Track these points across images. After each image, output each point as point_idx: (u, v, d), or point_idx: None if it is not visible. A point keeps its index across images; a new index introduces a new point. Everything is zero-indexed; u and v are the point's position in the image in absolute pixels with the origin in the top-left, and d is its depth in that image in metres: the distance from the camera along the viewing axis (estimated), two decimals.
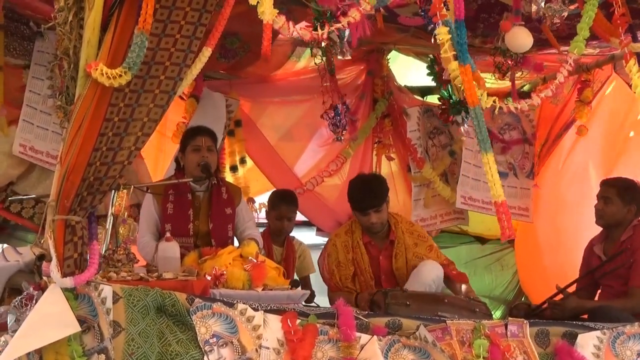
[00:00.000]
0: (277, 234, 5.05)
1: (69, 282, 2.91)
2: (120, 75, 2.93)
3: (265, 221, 5.22)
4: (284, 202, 5.00)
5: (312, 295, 4.74)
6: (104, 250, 3.33)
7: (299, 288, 3.75)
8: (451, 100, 5.07)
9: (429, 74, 5.15)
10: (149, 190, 4.13)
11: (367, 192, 4.33)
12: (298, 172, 5.67)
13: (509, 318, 3.35)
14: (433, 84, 5.83)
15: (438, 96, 5.37)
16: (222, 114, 5.26)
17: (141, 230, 4.17)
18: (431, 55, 5.28)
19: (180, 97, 5.21)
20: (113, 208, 3.31)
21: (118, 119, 3.06)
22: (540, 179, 5.81)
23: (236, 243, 4.34)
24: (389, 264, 4.41)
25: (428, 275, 4.18)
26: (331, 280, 4.46)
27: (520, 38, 3.46)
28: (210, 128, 4.41)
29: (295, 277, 5.04)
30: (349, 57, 3.27)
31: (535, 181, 5.80)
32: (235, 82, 5.53)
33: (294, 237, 5.16)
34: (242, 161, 5.52)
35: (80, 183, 3.01)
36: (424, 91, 6.11)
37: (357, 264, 4.40)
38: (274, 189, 5.35)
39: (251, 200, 5.42)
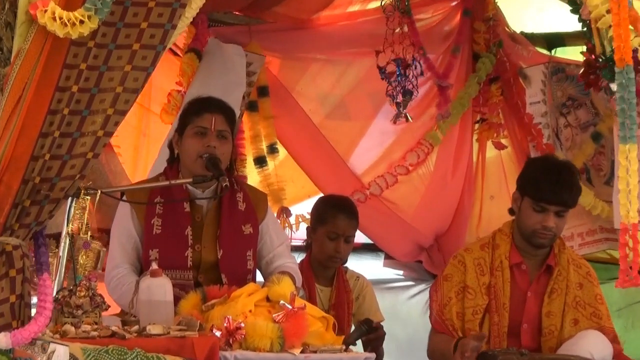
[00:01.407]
0: (324, 264, 5.00)
1: (3, 340, 2.93)
2: (82, 22, 2.94)
3: (304, 243, 5.22)
4: (342, 213, 4.98)
5: (380, 358, 4.71)
6: (55, 290, 3.32)
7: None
8: (601, 56, 5.00)
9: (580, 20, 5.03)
10: (124, 198, 4.12)
11: (560, 181, 4.45)
12: (356, 167, 5.66)
13: None
14: (565, 29, 5.78)
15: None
16: (239, 76, 5.27)
17: (113, 258, 4.16)
18: None
19: (173, 53, 5.22)
20: (70, 225, 3.31)
21: (78, 89, 3.07)
22: None
23: (260, 278, 4.33)
24: (538, 305, 4.47)
25: (589, 354, 4.20)
26: (441, 314, 4.50)
27: None
28: (224, 101, 4.39)
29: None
30: None
31: None
32: (258, 28, 5.55)
33: (347, 268, 5.15)
34: (273, 149, 5.53)
35: (20, 186, 3.05)
36: (552, 40, 6.09)
37: (494, 293, 4.45)
38: (322, 195, 5.33)
39: (284, 212, 5.42)
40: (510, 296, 4.45)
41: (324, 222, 4.97)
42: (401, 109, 5.16)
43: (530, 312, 4.45)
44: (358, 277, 5.15)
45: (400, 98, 5.13)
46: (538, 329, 4.44)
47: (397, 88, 5.13)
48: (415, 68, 5.21)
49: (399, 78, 5.13)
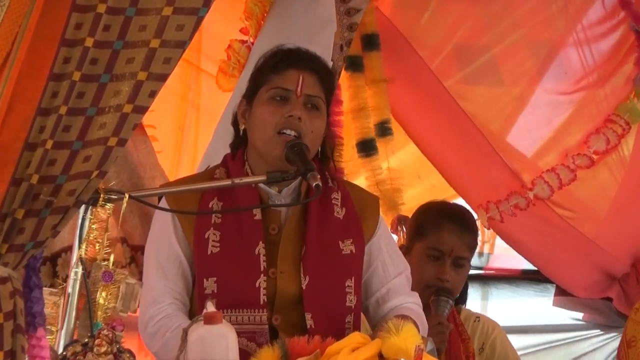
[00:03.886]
0: (422, 298, 4.98)
1: None
2: None
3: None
4: (450, 222, 5.09)
5: None
6: (61, 345, 3.33)
7: None
8: None
9: None
10: (160, 205, 4.17)
11: None
12: (512, 156, 5.70)
13: None
14: None
15: None
16: (328, 11, 5.34)
17: (150, 290, 4.12)
18: None
19: None
20: (83, 247, 3.32)
21: (94, 42, 3.11)
22: None
23: (365, 326, 4.31)
24: None
25: None
26: None
27: None
28: (319, 56, 4.38)
29: None
30: None
31: None
32: None
33: (462, 307, 5.32)
34: (384, 130, 5.63)
35: (9, 189, 3.13)
36: None
37: None
38: (433, 201, 5.33)
39: (402, 223, 5.53)
40: None
41: (422, 235, 5.07)
42: None
43: None
44: (478, 318, 5.30)
45: None
46: None
47: None
48: None
49: None
